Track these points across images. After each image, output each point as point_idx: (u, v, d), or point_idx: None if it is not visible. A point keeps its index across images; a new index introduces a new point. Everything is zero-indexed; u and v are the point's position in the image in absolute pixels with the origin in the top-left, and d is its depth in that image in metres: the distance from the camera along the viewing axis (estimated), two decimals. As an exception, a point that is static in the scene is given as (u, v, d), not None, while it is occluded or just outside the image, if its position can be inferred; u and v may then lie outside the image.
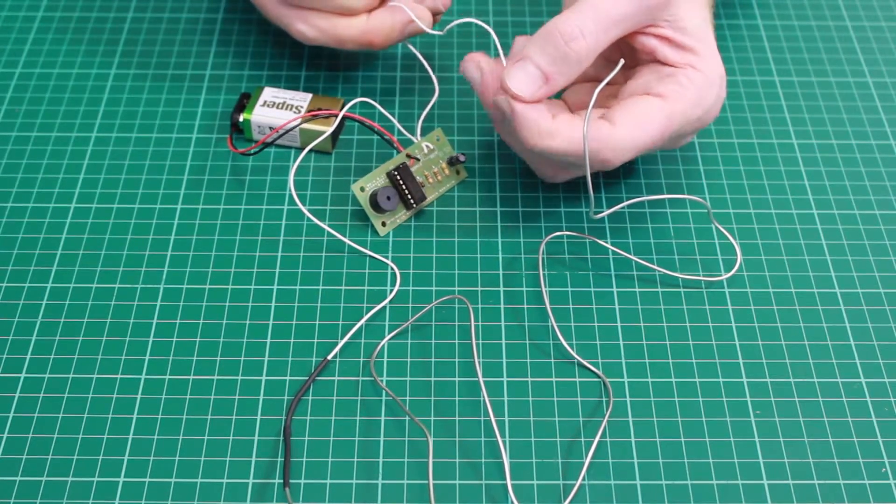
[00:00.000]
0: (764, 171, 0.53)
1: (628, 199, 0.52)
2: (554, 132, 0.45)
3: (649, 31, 0.47)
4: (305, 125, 0.52)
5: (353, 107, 0.56)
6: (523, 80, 0.45)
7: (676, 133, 0.47)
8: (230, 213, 0.51)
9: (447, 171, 0.52)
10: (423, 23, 0.53)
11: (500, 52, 0.49)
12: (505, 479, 0.42)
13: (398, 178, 0.49)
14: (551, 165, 0.49)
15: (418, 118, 0.55)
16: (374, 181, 0.50)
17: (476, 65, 0.48)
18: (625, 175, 0.53)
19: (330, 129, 0.51)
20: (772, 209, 0.52)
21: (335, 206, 0.52)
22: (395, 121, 0.53)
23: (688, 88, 0.47)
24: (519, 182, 0.53)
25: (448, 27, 0.52)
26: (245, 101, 0.54)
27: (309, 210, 0.51)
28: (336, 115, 0.51)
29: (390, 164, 0.50)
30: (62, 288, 0.48)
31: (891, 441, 0.43)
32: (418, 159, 0.51)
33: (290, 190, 0.52)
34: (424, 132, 0.55)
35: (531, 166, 0.51)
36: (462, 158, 0.51)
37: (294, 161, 0.54)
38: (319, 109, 0.53)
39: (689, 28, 0.47)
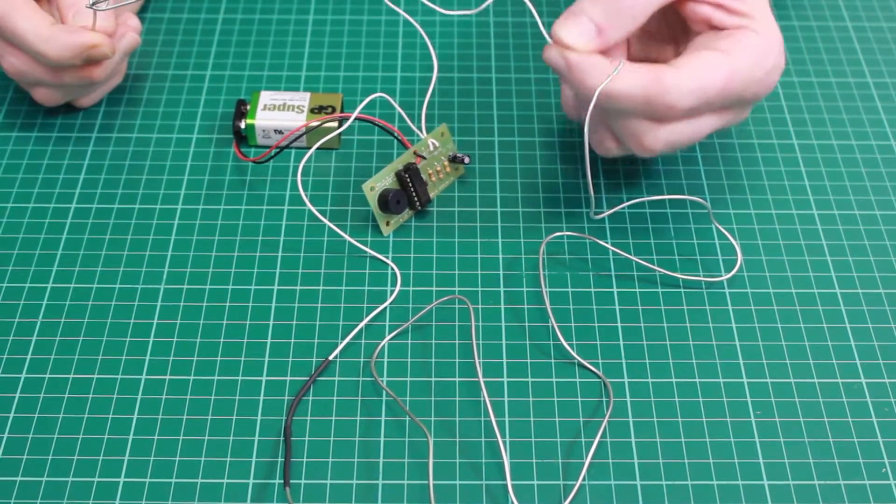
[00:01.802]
0: (764, 172, 0.53)
1: (628, 199, 0.52)
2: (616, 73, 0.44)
3: None
4: (312, 123, 0.52)
5: (357, 101, 0.56)
6: (576, 32, 0.45)
7: (739, 93, 0.46)
8: (230, 214, 0.51)
9: (448, 169, 0.52)
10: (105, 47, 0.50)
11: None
12: (505, 479, 0.42)
13: (407, 179, 0.49)
14: (611, 134, 0.48)
15: (420, 109, 0.55)
16: (384, 181, 0.49)
17: (559, 52, 0.46)
18: (625, 175, 0.53)
19: (339, 129, 0.50)
20: (772, 209, 0.52)
21: (335, 205, 0.52)
22: (406, 118, 0.52)
23: (747, 46, 0.46)
24: (519, 182, 0.53)
25: (480, 8, 0.50)
26: (243, 108, 0.53)
27: (315, 210, 0.51)
28: (348, 117, 0.51)
29: (398, 164, 0.50)
30: (62, 288, 0.48)
31: (891, 441, 0.43)
32: (424, 157, 0.51)
33: (298, 188, 0.52)
34: (426, 119, 0.55)
35: (591, 139, 0.49)
36: (467, 160, 0.51)
37: (297, 160, 0.54)
38: (322, 107, 0.53)
39: None
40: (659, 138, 0.46)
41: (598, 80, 0.44)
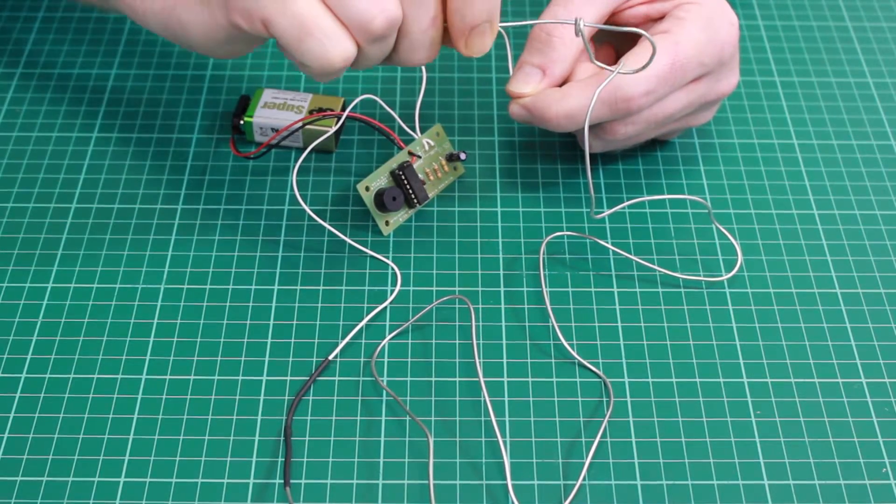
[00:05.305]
0: (764, 171, 0.53)
1: (629, 199, 0.52)
2: (566, 93, 0.47)
3: (632, 3, 0.49)
4: (308, 125, 0.52)
5: (355, 105, 0.56)
6: (523, 80, 0.49)
7: (696, 62, 0.47)
8: (231, 213, 0.51)
9: (446, 168, 0.52)
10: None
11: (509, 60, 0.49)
12: (505, 479, 0.42)
13: (402, 176, 0.49)
14: (598, 136, 0.50)
15: (416, 111, 0.55)
16: (379, 180, 0.49)
17: (517, 103, 0.49)
18: (625, 175, 0.53)
19: (333, 129, 0.51)
20: (772, 209, 0.52)
21: (336, 206, 0.52)
22: (397, 118, 0.53)
23: (686, 18, 0.48)
24: (519, 182, 0.53)
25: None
26: (245, 104, 0.54)
27: (310, 210, 0.51)
28: (339, 115, 0.51)
29: (393, 163, 0.50)
30: (63, 288, 0.48)
31: (891, 441, 0.43)
32: (419, 156, 0.51)
33: (293, 189, 0.52)
34: (421, 119, 0.55)
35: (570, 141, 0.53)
36: (463, 156, 0.51)
37: (295, 160, 0.54)
38: (321, 109, 0.53)
39: None
40: (630, 126, 0.48)
41: (556, 106, 0.47)
